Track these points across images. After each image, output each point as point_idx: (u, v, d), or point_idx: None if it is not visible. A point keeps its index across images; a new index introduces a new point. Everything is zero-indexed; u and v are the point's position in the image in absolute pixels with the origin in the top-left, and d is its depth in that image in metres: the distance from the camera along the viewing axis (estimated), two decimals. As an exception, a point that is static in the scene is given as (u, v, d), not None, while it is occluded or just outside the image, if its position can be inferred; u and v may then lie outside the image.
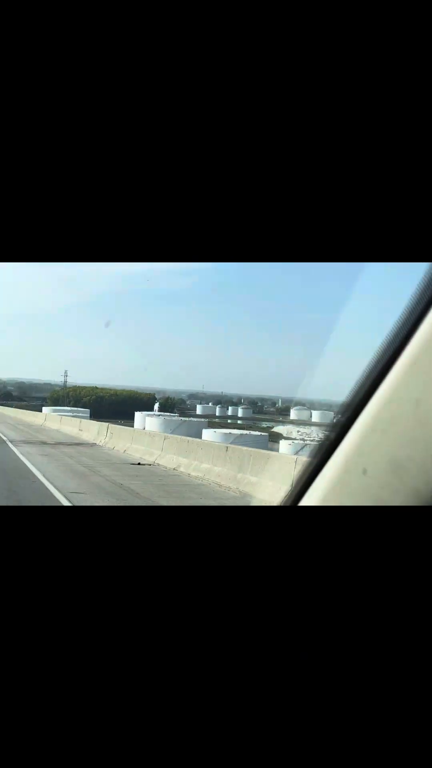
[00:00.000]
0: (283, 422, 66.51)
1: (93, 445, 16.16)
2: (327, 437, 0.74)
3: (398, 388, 0.58)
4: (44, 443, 16.07)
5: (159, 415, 45.73)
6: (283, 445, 24.85)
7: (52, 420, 26.70)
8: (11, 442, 15.76)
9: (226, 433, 29.84)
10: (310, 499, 0.78)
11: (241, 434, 29.25)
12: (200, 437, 22.40)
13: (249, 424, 63.47)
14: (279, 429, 49.36)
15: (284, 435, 38.40)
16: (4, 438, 16.81)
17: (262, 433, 33.21)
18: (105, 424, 18.41)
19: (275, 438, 32.34)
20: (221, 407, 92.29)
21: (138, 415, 46.00)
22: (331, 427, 0.74)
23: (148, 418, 41.48)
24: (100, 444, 15.97)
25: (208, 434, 29.15)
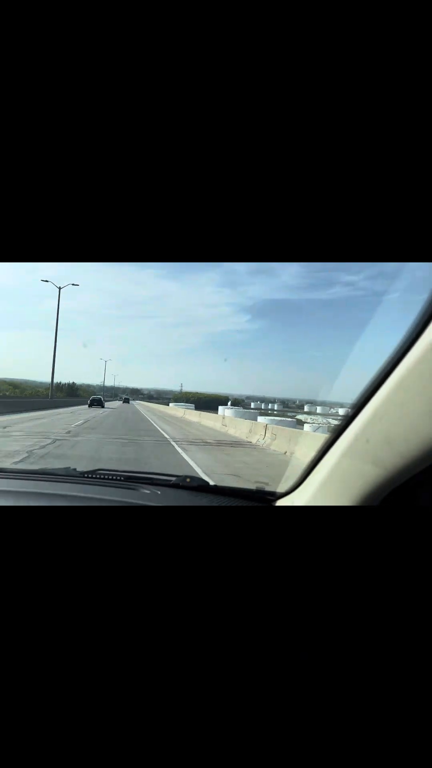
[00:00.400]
0: (300, 413, 69.50)
1: (254, 446, 9.86)
2: (340, 424, 0.67)
3: (389, 395, 0.54)
4: (206, 443, 9.93)
5: (231, 408, 50.12)
6: (306, 426, 27.96)
7: (191, 414, 22.31)
8: (175, 441, 9.69)
9: (270, 419, 33.54)
10: (329, 458, 0.70)
11: (281, 420, 32.87)
12: (256, 419, 25.59)
13: (281, 413, 67.28)
14: (299, 417, 52.51)
15: (302, 420, 41.59)
16: (167, 436, 10.67)
17: (292, 419, 36.72)
18: (261, 423, 11.66)
19: (299, 422, 35.53)
20: (264, 404, 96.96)
21: (220, 408, 50.61)
22: (343, 417, 0.66)
23: (226, 410, 45.92)
24: (262, 445, 9.74)
25: (261, 419, 32.77)
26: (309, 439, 8.05)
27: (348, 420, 0.65)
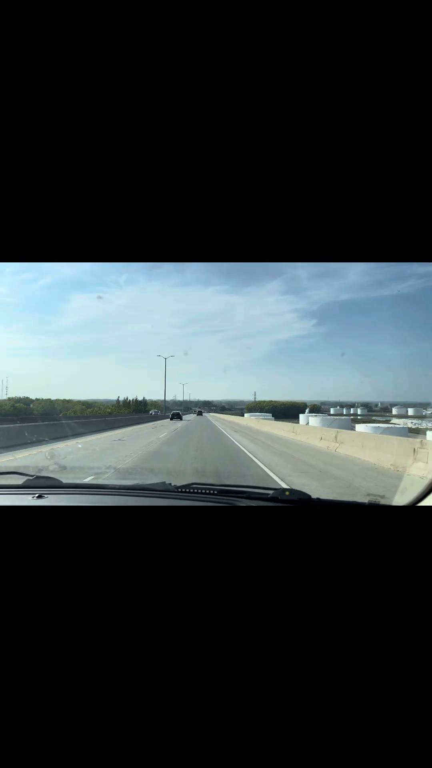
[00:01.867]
0: (386, 416, 59.39)
1: None
2: None
3: None
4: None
5: (315, 416, 42.79)
6: (429, 434, 20.87)
7: (283, 428, 15.35)
8: (281, 477, 5.45)
9: (374, 427, 26.45)
10: None
11: (388, 427, 25.45)
12: (352, 429, 19.98)
13: (366, 419, 58.04)
14: (394, 421, 43.86)
15: (419, 428, 33.63)
16: (269, 471, 5.99)
17: (404, 426, 28.98)
18: None
19: (412, 431, 27.99)
20: (345, 409, 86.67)
21: (301, 417, 43.67)
22: None
23: (311, 418, 39.02)
24: None
25: (360, 427, 25.91)
26: None
27: None
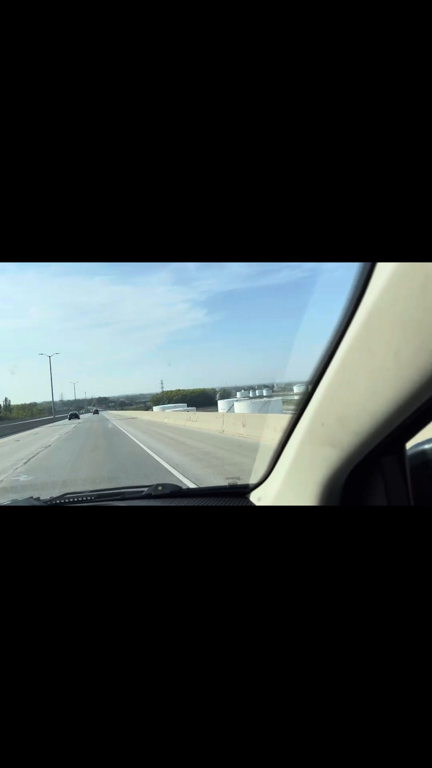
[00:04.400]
0: (288, 395, 54.99)
1: None
2: (298, 406, 0.69)
3: (336, 376, 0.55)
4: None
5: (241, 400, 34.14)
6: None
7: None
8: None
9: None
10: (291, 446, 0.74)
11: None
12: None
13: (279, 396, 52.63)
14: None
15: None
16: None
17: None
18: None
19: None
20: (252, 392, 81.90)
21: (221, 402, 34.63)
22: (298, 400, 0.69)
23: (236, 404, 30.17)
24: None
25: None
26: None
27: (304, 402, 0.66)
